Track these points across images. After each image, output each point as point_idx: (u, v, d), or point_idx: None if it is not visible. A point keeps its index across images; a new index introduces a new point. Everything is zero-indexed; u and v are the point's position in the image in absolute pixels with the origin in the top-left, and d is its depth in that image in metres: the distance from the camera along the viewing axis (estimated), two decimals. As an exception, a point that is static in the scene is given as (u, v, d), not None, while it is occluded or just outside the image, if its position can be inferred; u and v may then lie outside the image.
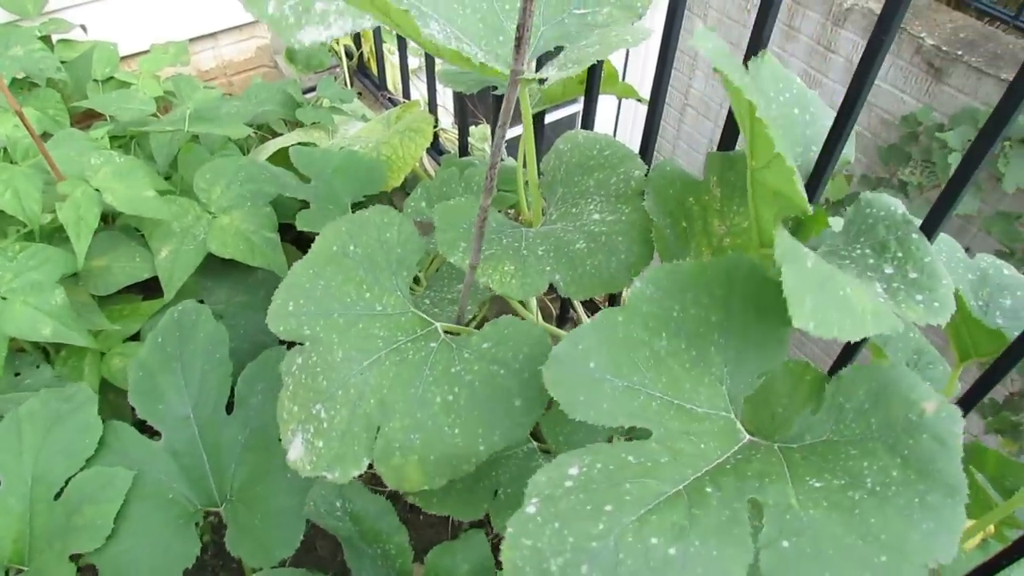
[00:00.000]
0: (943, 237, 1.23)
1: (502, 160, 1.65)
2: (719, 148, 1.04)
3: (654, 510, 0.64)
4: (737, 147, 1.02)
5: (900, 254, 0.76)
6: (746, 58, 0.92)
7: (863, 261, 0.78)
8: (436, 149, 1.95)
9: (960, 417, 0.69)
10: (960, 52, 2.81)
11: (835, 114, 0.96)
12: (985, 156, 0.75)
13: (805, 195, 0.67)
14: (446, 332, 1.00)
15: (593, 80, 1.18)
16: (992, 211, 2.74)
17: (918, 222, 0.92)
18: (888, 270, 0.76)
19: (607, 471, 0.67)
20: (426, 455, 0.84)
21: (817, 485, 0.69)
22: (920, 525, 0.63)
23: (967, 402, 0.95)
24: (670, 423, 0.73)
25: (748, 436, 0.80)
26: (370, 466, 0.86)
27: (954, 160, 2.56)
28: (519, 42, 0.58)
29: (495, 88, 1.28)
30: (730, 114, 0.99)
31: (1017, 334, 1.02)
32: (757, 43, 0.92)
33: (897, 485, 0.66)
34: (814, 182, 0.93)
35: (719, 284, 0.78)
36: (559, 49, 0.99)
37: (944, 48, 2.84)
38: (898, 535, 0.63)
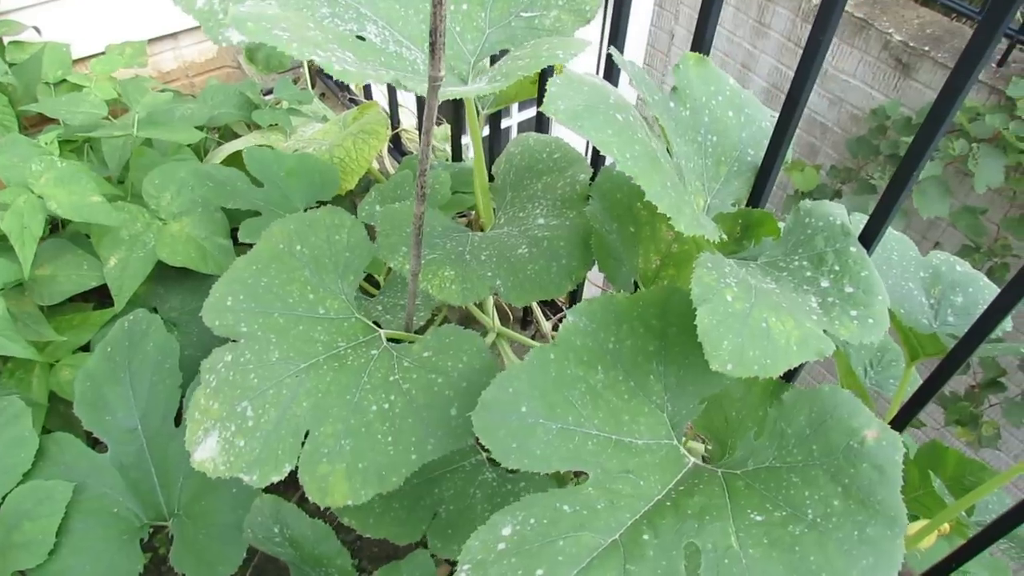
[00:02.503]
0: (897, 235, 1.23)
1: (462, 161, 1.63)
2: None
3: (588, 568, 0.63)
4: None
5: (837, 267, 0.75)
6: (689, 61, 0.91)
7: (800, 273, 0.77)
8: (399, 150, 1.93)
9: (900, 445, 0.68)
10: (927, 48, 2.82)
11: (772, 113, 0.95)
12: (927, 151, 0.74)
13: (693, 227, 0.66)
14: (391, 340, 0.98)
15: (544, 82, 1.17)
16: (959, 206, 2.76)
17: (859, 223, 0.91)
18: (824, 283, 0.75)
19: (541, 527, 0.66)
20: (355, 463, 0.82)
21: (758, 519, 0.68)
22: (859, 561, 0.62)
23: (912, 407, 0.95)
24: (608, 462, 0.72)
25: (692, 460, 0.79)
26: (294, 477, 0.84)
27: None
28: (433, 48, 0.57)
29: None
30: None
31: (962, 336, 1.03)
32: (699, 45, 0.91)
33: (838, 516, 0.66)
34: (758, 187, 0.92)
35: (654, 314, 0.77)
36: (505, 52, 0.97)
37: (911, 44, 2.86)
38: (837, 573, 0.62)
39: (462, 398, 0.86)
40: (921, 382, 1.37)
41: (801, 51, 0.76)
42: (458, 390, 0.85)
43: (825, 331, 0.72)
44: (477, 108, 1.39)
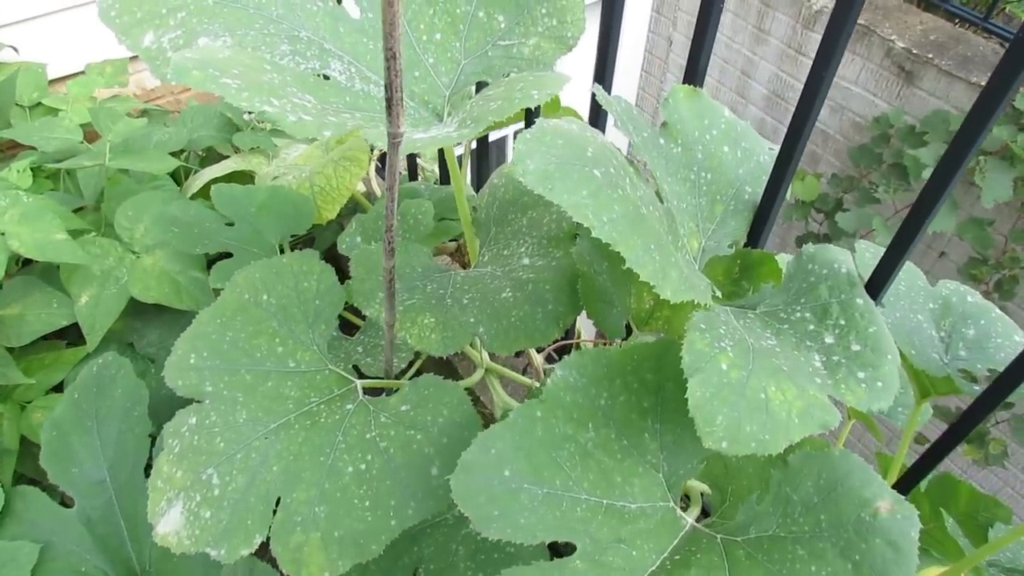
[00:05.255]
0: (904, 265, 1.16)
1: (451, 184, 1.57)
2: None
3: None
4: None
5: (843, 321, 0.69)
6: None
7: (802, 327, 0.71)
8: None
9: (916, 520, 0.63)
10: (930, 55, 2.76)
11: (771, 146, 0.89)
12: (954, 177, 0.67)
13: (680, 293, 0.60)
14: (367, 391, 0.92)
15: (530, 112, 1.11)
16: (966, 216, 2.70)
17: (865, 251, 0.84)
18: (829, 339, 0.69)
19: None
20: (330, 531, 0.76)
21: None
22: (870, 650, 0.57)
23: (925, 463, 0.89)
24: (598, 531, 0.66)
25: (690, 523, 0.73)
26: (267, 546, 0.78)
27: (928, 175, 2.50)
28: (389, 104, 0.51)
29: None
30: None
31: (979, 370, 0.97)
32: (692, 76, 0.85)
33: (847, 598, 0.60)
34: (757, 226, 0.86)
35: (649, 368, 0.71)
36: (482, 85, 0.91)
37: (915, 51, 2.79)
38: (845, 664, 0.57)
39: (443, 456, 0.80)
40: (931, 413, 1.30)
41: (801, 57, 0.70)
42: (439, 447, 0.79)
43: (830, 396, 0.67)
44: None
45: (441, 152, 1.52)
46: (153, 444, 1.14)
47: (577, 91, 1.19)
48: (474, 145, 1.57)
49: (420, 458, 0.80)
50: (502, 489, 0.66)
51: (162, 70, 0.72)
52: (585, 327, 1.44)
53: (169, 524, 0.79)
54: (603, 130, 0.93)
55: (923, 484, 1.19)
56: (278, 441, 0.82)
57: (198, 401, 0.86)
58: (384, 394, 1.00)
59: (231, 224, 1.25)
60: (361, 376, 1.10)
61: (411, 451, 0.80)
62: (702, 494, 0.97)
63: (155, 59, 0.73)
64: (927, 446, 0.85)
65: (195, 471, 0.80)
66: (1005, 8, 3.01)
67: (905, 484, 0.91)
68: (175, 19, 0.76)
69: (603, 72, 0.89)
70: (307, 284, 0.91)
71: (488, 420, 1.33)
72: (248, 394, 0.85)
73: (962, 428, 0.79)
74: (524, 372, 1.36)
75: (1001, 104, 0.59)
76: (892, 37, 2.85)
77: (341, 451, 0.81)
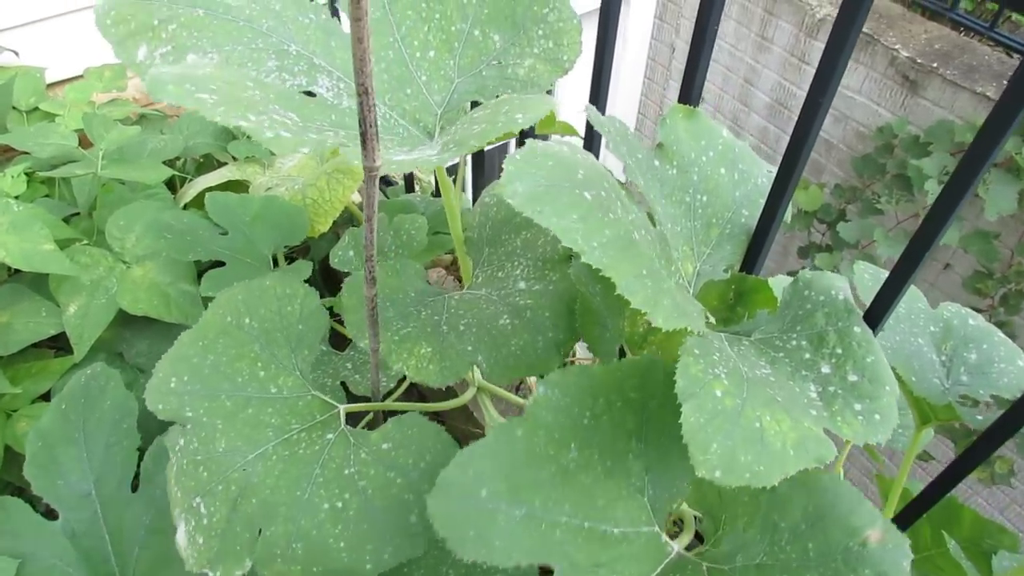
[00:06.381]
0: (904, 285, 1.14)
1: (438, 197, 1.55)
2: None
3: None
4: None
5: (839, 350, 0.67)
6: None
7: (798, 355, 0.69)
8: (385, 180, 1.86)
9: (908, 549, 0.61)
10: (935, 64, 2.73)
11: (769, 168, 0.88)
12: (961, 201, 0.65)
13: (672, 321, 0.58)
14: (349, 416, 0.90)
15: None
16: (971, 229, 2.67)
17: (864, 272, 0.82)
18: (825, 369, 0.67)
19: None
20: (309, 567, 0.75)
21: None
22: None
23: (925, 500, 0.87)
24: (577, 555, 0.64)
25: (676, 550, 0.71)
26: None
27: (931, 187, 2.47)
28: (364, 138, 0.49)
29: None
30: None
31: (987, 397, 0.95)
32: (688, 95, 0.83)
33: (836, 631, 0.59)
34: (753, 251, 0.84)
35: (633, 387, 0.69)
36: (475, 105, 0.90)
37: (919, 60, 2.77)
38: None
39: (422, 503, 0.78)
40: (932, 436, 1.28)
41: (804, 66, 0.68)
42: (418, 493, 0.78)
43: (826, 429, 0.65)
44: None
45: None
46: (141, 458, 1.12)
47: (574, 104, 1.18)
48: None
49: (399, 503, 0.78)
50: (479, 510, 0.64)
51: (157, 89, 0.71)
52: (581, 344, 1.42)
53: (181, 539, 0.80)
54: (598, 149, 0.91)
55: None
56: (255, 474, 0.80)
57: (183, 424, 0.85)
58: (369, 417, 0.98)
59: (225, 233, 1.23)
60: (349, 395, 1.08)
61: (390, 495, 0.79)
62: (696, 518, 0.95)
63: (147, 74, 0.72)
64: (934, 477, 0.83)
65: (188, 496, 0.80)
66: (1011, 16, 2.99)
67: (909, 515, 0.89)
68: (166, 32, 0.75)
69: (598, 88, 0.88)
70: (290, 308, 0.89)
71: (480, 438, 1.31)
72: (227, 421, 0.83)
73: (972, 459, 0.77)
74: (517, 390, 1.35)
75: (1011, 125, 0.57)
76: (896, 46, 2.83)
77: (318, 485, 0.80)
